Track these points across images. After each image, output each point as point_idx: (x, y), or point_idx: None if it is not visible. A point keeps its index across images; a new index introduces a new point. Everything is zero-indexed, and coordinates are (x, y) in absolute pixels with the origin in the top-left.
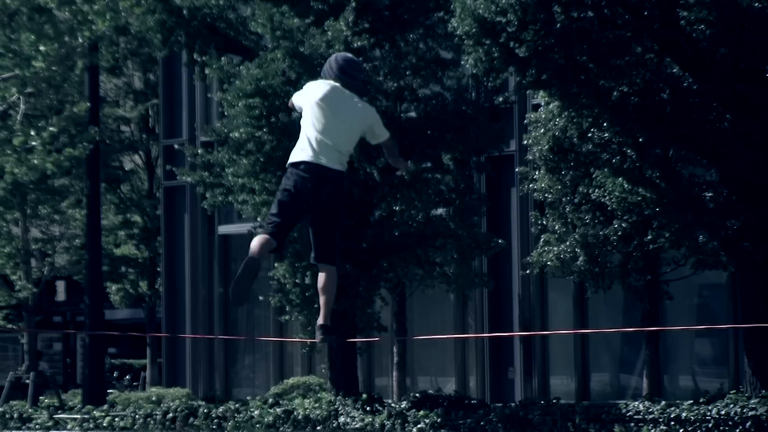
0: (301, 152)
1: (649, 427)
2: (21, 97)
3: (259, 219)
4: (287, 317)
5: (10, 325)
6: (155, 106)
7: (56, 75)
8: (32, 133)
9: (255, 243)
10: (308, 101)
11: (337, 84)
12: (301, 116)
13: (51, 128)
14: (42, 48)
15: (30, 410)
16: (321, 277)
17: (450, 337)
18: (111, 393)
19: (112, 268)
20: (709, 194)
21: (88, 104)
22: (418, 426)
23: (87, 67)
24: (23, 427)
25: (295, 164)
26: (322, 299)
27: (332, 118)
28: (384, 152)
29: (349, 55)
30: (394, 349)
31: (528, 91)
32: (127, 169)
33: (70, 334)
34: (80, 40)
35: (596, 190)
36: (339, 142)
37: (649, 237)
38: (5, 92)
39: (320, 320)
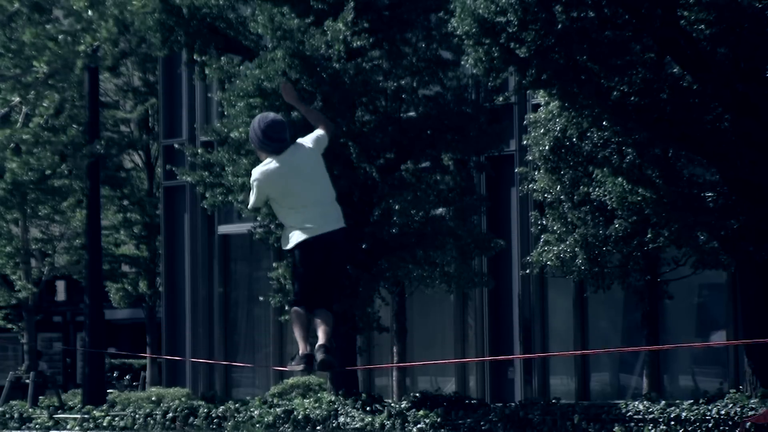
0: (298, 233)
1: (649, 427)
2: (22, 101)
3: (258, 219)
4: (287, 317)
5: (10, 325)
6: (154, 105)
7: (57, 80)
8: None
9: (296, 322)
10: (268, 191)
11: (272, 160)
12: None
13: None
14: (44, 58)
15: (30, 410)
16: (322, 319)
17: (446, 359)
18: (111, 393)
19: (112, 268)
20: (709, 194)
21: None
22: (418, 426)
23: (86, 67)
24: (23, 426)
25: (300, 244)
26: (321, 329)
27: (300, 181)
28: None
29: (270, 116)
30: (394, 349)
31: (528, 91)
32: (127, 169)
33: (70, 334)
34: (82, 46)
35: (596, 190)
36: (320, 198)
37: (648, 237)
38: (7, 94)
39: (321, 341)
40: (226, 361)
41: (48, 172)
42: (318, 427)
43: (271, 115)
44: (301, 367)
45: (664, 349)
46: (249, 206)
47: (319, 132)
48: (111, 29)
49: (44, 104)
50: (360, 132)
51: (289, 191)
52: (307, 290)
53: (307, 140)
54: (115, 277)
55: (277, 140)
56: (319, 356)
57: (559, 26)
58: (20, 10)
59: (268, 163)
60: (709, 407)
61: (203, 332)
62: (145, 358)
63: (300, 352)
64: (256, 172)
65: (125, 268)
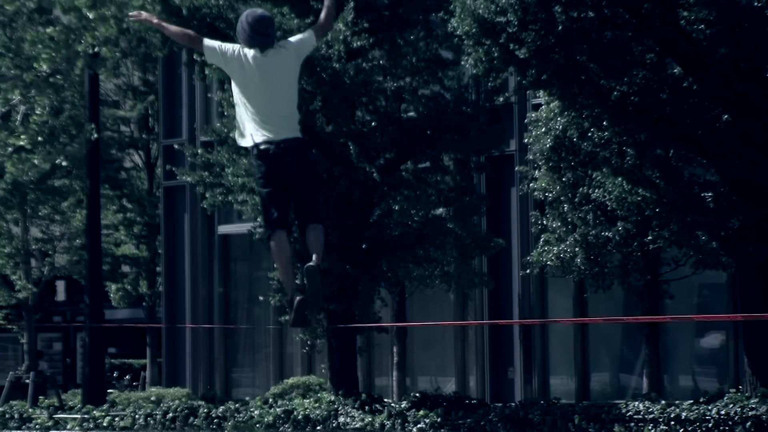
0: (250, 134)
1: (649, 427)
2: (22, 100)
3: (259, 219)
4: (287, 317)
5: (10, 326)
6: (154, 104)
7: (58, 80)
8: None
9: (277, 253)
10: (230, 72)
11: (255, 53)
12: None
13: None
14: (44, 55)
15: (30, 410)
16: (312, 235)
17: (443, 324)
18: (111, 393)
19: (112, 268)
20: (709, 194)
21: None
22: (418, 426)
23: (87, 65)
24: (23, 426)
25: (252, 149)
26: (314, 248)
27: (265, 87)
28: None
29: (259, 11)
30: (394, 349)
31: (528, 91)
32: (127, 168)
33: (70, 334)
34: (82, 46)
35: (596, 190)
36: (283, 107)
37: (649, 237)
38: (7, 94)
39: (315, 260)
40: (226, 361)
41: (47, 166)
42: (318, 427)
43: (260, 10)
44: (297, 301)
45: (664, 349)
46: (205, 39)
47: (309, 35)
48: (110, 29)
49: (44, 102)
50: (360, 132)
51: (253, 89)
52: (279, 208)
53: (291, 45)
54: (115, 277)
55: (264, 35)
56: (310, 266)
57: (559, 27)
58: (21, 11)
59: (249, 50)
60: (709, 407)
61: (203, 332)
62: (145, 355)
63: (289, 296)
64: (234, 45)
65: (125, 268)
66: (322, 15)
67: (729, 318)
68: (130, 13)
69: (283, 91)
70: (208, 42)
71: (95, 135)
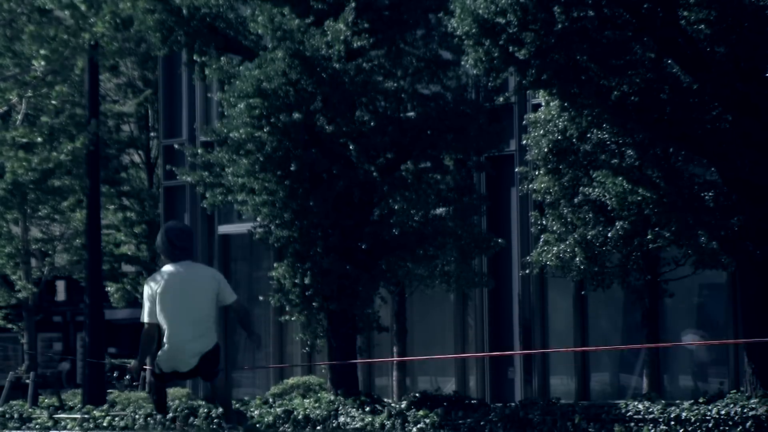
0: (175, 359)
1: (649, 427)
2: (22, 99)
3: (258, 219)
4: (287, 317)
5: (10, 325)
6: (153, 101)
7: (57, 79)
8: (33, 130)
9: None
10: (158, 301)
11: (172, 269)
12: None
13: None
14: (42, 51)
15: (30, 410)
16: (217, 392)
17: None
18: (111, 393)
19: (112, 268)
20: (709, 194)
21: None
22: (418, 426)
23: (88, 59)
24: (23, 426)
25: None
26: (223, 406)
27: (189, 303)
28: (237, 321)
29: (174, 226)
30: (394, 350)
31: (528, 91)
32: (126, 168)
33: (70, 334)
34: (81, 42)
35: (596, 190)
36: (202, 321)
37: (649, 236)
38: (6, 93)
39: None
40: (226, 361)
41: (50, 166)
42: (318, 427)
43: (178, 224)
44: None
45: (664, 349)
46: (144, 320)
47: (234, 296)
48: (106, 24)
49: (44, 103)
50: (360, 132)
51: (174, 306)
52: (162, 402)
53: (220, 276)
54: (115, 277)
55: (183, 248)
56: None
57: (559, 27)
58: (21, 11)
59: (160, 274)
60: (709, 407)
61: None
62: None
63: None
64: (146, 286)
65: (126, 267)
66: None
67: (725, 343)
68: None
69: (204, 308)
70: (147, 315)
71: (98, 130)
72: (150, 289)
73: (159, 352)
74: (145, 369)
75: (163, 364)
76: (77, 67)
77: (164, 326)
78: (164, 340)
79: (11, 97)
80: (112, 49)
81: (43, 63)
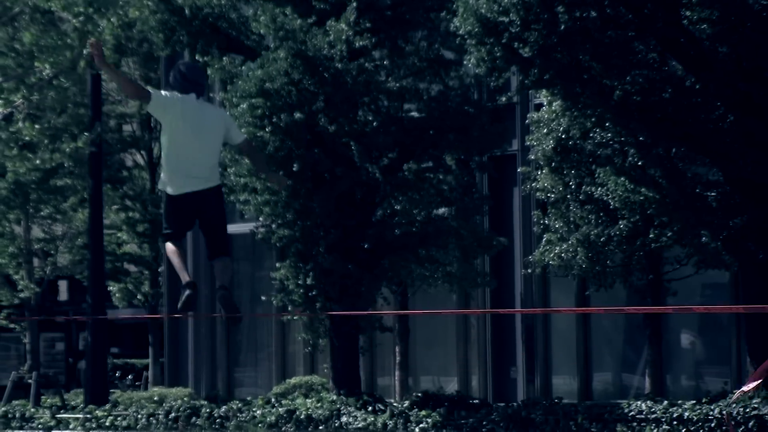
0: (174, 183)
1: (652, 427)
2: (24, 101)
3: (261, 219)
4: (289, 317)
5: (12, 325)
6: None
7: (62, 82)
8: (35, 129)
9: (172, 257)
10: (167, 120)
11: (186, 96)
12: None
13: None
14: (50, 59)
15: (32, 410)
16: (220, 267)
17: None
18: (113, 393)
19: (114, 267)
20: (712, 194)
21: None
22: (421, 426)
23: (88, 65)
24: (26, 426)
25: (172, 197)
26: (221, 275)
27: (194, 139)
28: (249, 161)
29: (190, 62)
30: (397, 349)
31: (530, 91)
32: (129, 167)
33: (73, 334)
34: (84, 48)
35: (599, 190)
36: (208, 158)
37: (651, 236)
38: (10, 95)
39: (220, 283)
40: (229, 361)
41: (52, 165)
42: (320, 427)
43: (191, 62)
44: (186, 294)
45: (667, 349)
46: (149, 89)
47: (243, 136)
48: (116, 30)
49: (47, 104)
50: (362, 132)
51: (185, 137)
52: (178, 228)
53: (225, 118)
54: (117, 276)
55: (196, 82)
56: (219, 293)
57: (562, 26)
58: (23, 11)
59: (182, 99)
60: (712, 407)
61: (205, 332)
62: (147, 355)
63: (183, 281)
64: (169, 93)
65: (129, 266)
66: (254, 157)
67: (730, 309)
68: (89, 41)
69: (212, 143)
70: (155, 93)
71: (100, 135)
72: (172, 95)
73: (162, 176)
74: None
75: (170, 184)
76: (80, 67)
77: (171, 150)
78: (165, 161)
79: (15, 99)
80: (115, 57)
81: (47, 66)
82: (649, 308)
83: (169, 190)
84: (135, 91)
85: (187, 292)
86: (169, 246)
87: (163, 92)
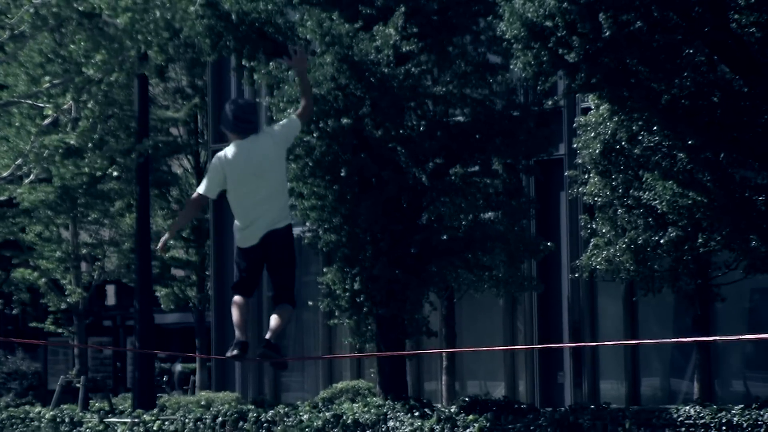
0: (246, 237)
1: None
2: (73, 104)
3: (307, 224)
4: (336, 321)
5: (60, 330)
6: (201, 106)
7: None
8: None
9: (233, 310)
10: (226, 176)
11: (238, 144)
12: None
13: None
14: (98, 58)
15: (81, 414)
16: (280, 313)
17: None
18: (161, 397)
19: (161, 272)
20: (761, 198)
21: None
22: (468, 430)
23: (135, 69)
24: (74, 430)
25: (239, 249)
26: (273, 326)
27: (254, 184)
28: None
29: (242, 99)
30: (443, 354)
31: (577, 95)
32: (175, 173)
33: (120, 338)
34: (132, 51)
35: (646, 194)
36: (273, 197)
37: (699, 240)
38: (59, 99)
39: (267, 335)
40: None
41: (98, 173)
42: None
43: (242, 99)
44: (233, 353)
45: (715, 354)
46: (199, 191)
47: (293, 119)
48: (162, 33)
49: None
50: (409, 137)
51: (239, 181)
52: (245, 282)
53: (275, 129)
54: (164, 280)
55: (247, 121)
56: (259, 350)
57: (607, 32)
58: (71, 17)
59: (228, 149)
60: (761, 412)
61: (252, 336)
62: (195, 359)
63: (236, 338)
64: (215, 157)
65: (176, 271)
66: (302, 104)
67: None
68: (158, 248)
69: (275, 178)
70: (204, 187)
71: (150, 150)
72: (215, 165)
73: (235, 227)
74: (173, 231)
75: (241, 240)
76: (124, 71)
77: (236, 207)
78: (236, 217)
79: (65, 102)
80: (160, 58)
81: (92, 69)
82: (693, 339)
83: (237, 241)
84: (195, 209)
85: (235, 352)
86: (236, 298)
87: (209, 177)
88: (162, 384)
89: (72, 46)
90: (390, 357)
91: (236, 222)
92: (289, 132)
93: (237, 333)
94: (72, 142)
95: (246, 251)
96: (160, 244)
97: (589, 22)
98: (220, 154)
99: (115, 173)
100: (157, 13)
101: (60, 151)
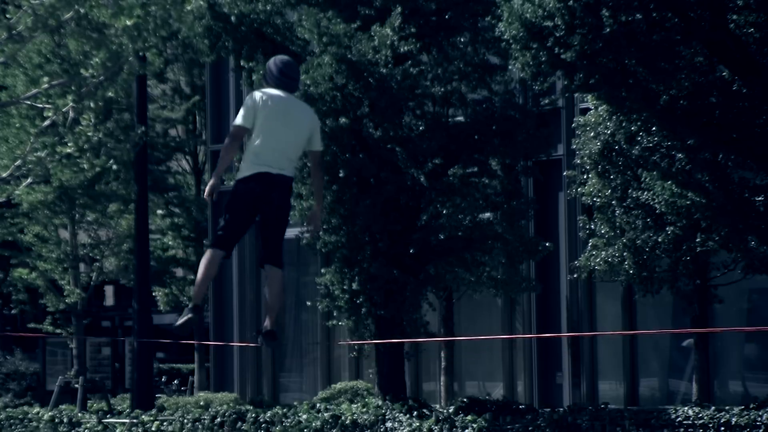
0: (253, 165)
1: None
2: (73, 106)
3: (305, 224)
4: (334, 322)
5: (59, 330)
6: (197, 104)
7: (110, 84)
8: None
9: (206, 265)
10: (260, 113)
11: (281, 93)
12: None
13: (97, 135)
14: (96, 59)
15: (79, 415)
16: (269, 280)
17: (493, 338)
18: (159, 397)
19: (159, 272)
20: (759, 198)
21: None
22: (466, 431)
23: (135, 70)
24: (72, 431)
25: (246, 178)
26: (269, 303)
27: (283, 127)
28: (312, 173)
29: (287, 57)
30: (442, 354)
31: (575, 95)
32: (174, 174)
33: (119, 338)
34: (130, 51)
35: (645, 194)
36: (290, 150)
37: (698, 241)
38: (58, 100)
39: (266, 324)
40: (274, 366)
41: (97, 169)
42: None
43: (287, 57)
44: (187, 317)
45: (714, 354)
46: (237, 122)
47: (321, 145)
48: (160, 33)
49: (94, 110)
50: (407, 137)
51: (274, 125)
52: (230, 233)
53: (314, 122)
54: (162, 281)
55: (291, 78)
56: (260, 341)
57: (607, 30)
58: (71, 18)
59: (269, 91)
60: (760, 413)
61: (250, 337)
62: (193, 360)
63: (192, 301)
64: (259, 91)
65: (174, 270)
66: (318, 173)
67: None
68: (205, 196)
69: (298, 137)
70: (242, 118)
71: (145, 138)
72: (255, 98)
73: (242, 163)
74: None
75: (245, 168)
76: (124, 73)
77: (257, 137)
78: (251, 149)
79: (68, 102)
80: (157, 60)
81: (91, 71)
82: (693, 329)
83: (240, 174)
84: (237, 142)
85: (189, 315)
86: (209, 253)
87: (246, 109)
88: (160, 385)
89: (71, 46)
90: (389, 358)
91: (251, 148)
92: (314, 138)
93: (195, 294)
94: (69, 150)
95: (243, 195)
96: (207, 190)
97: (591, 17)
98: (257, 93)
99: (114, 166)
100: (156, 13)
101: (57, 157)
